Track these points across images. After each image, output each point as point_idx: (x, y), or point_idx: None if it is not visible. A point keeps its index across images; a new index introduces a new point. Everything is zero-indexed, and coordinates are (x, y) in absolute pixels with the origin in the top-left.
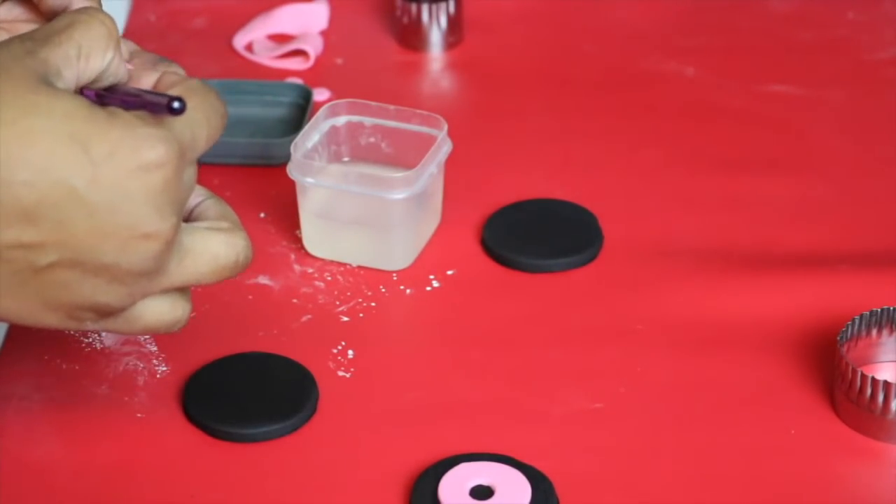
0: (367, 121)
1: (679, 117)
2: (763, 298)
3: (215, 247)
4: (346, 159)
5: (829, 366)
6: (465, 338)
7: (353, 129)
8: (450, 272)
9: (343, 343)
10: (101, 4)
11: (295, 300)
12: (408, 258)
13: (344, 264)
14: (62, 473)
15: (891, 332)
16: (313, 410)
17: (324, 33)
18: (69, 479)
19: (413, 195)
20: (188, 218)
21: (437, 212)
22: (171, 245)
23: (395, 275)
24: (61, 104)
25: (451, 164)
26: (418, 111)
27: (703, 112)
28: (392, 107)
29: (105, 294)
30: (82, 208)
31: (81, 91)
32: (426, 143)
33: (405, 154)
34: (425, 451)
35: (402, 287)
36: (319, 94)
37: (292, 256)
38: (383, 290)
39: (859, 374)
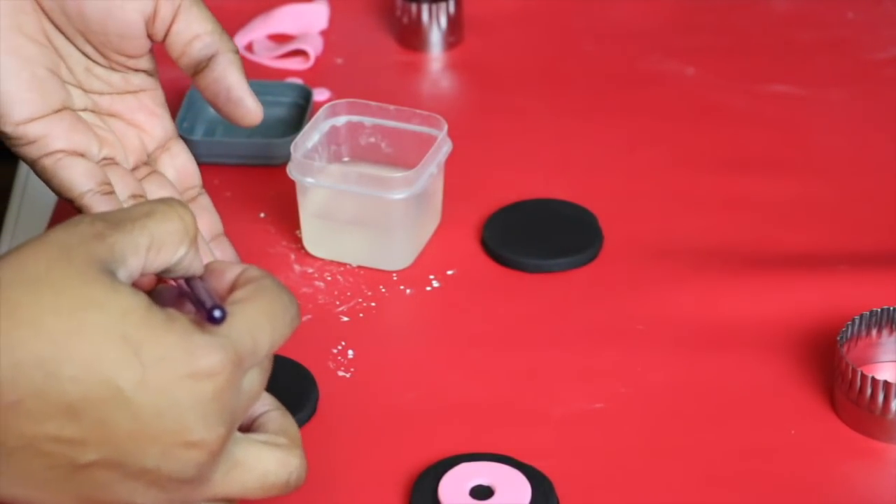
0: (367, 121)
1: (679, 117)
2: (763, 298)
3: (267, 464)
4: (346, 159)
5: (829, 366)
6: (465, 338)
7: (353, 129)
8: (450, 272)
9: (343, 343)
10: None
11: None
12: (408, 258)
13: (344, 264)
14: None
15: (891, 332)
16: (313, 410)
17: (324, 33)
18: None
19: (413, 195)
20: (249, 427)
21: (437, 212)
22: (216, 456)
23: (395, 275)
24: (118, 301)
25: (451, 164)
26: (418, 111)
27: (703, 112)
28: (392, 107)
29: (143, 497)
30: (127, 409)
31: None
32: (426, 143)
33: (405, 154)
34: (425, 451)
35: (402, 287)
36: (319, 94)
37: (292, 256)
38: (383, 290)
39: (859, 374)
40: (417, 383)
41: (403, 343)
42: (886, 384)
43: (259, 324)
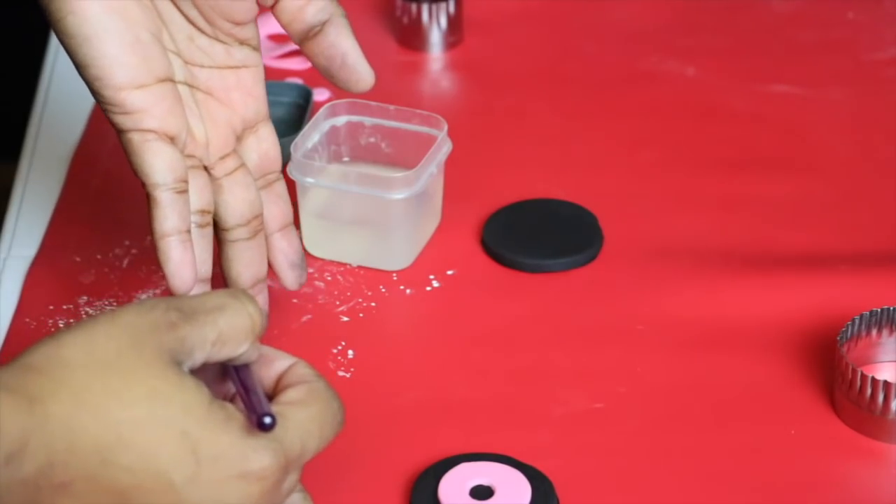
0: (367, 121)
1: (679, 117)
2: (763, 298)
3: None
4: (346, 159)
5: (829, 366)
6: (465, 338)
7: (353, 129)
8: (450, 272)
9: (343, 343)
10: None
11: (295, 300)
12: (408, 258)
13: (344, 264)
14: None
15: (891, 332)
16: None
17: None
18: None
19: (413, 195)
20: None
21: (437, 212)
22: None
23: (395, 275)
24: (183, 396)
25: (451, 164)
26: (418, 111)
27: (703, 112)
28: (392, 107)
29: None
30: (173, 500)
31: None
32: (426, 143)
33: (405, 154)
34: (425, 451)
35: (402, 287)
36: (319, 94)
37: None
38: (383, 290)
39: (859, 374)
40: (417, 383)
41: (403, 343)
42: (886, 384)
43: (310, 431)
